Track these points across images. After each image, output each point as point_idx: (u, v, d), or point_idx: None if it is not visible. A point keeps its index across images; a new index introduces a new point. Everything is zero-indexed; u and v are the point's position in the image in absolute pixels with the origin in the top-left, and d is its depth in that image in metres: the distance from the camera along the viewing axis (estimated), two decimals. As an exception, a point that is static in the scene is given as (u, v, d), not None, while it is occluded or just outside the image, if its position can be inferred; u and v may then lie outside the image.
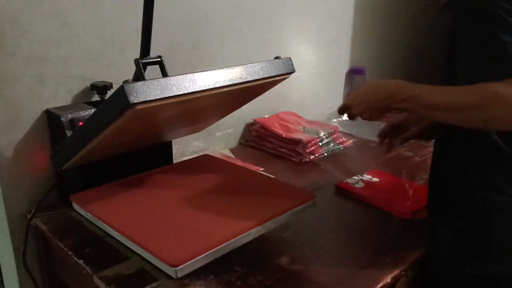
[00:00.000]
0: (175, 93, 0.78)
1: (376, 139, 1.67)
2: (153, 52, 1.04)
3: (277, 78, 0.97)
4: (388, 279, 0.88)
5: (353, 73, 2.03)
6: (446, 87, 0.77)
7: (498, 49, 0.70)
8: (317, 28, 1.83)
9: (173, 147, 1.23)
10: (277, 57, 0.98)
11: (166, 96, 0.77)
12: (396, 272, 0.90)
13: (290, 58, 1.01)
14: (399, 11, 2.26)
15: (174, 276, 0.77)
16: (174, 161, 1.24)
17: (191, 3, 1.36)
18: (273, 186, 1.07)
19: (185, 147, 1.44)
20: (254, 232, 0.89)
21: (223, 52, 1.49)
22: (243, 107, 1.41)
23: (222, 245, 0.82)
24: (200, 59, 1.43)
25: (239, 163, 1.40)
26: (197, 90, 0.80)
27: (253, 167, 1.37)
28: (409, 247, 0.98)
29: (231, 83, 0.86)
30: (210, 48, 1.45)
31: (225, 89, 0.85)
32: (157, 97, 0.76)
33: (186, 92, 0.79)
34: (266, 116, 1.66)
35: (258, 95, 1.09)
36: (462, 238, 0.87)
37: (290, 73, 1.00)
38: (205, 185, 1.05)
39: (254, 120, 1.63)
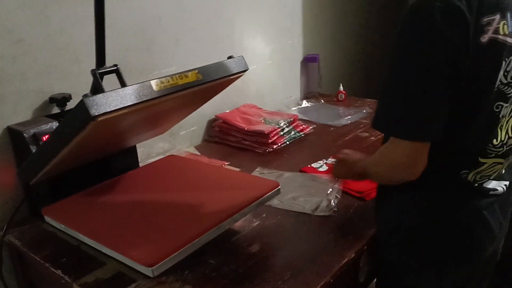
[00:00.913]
0: (134, 102, 0.81)
1: (334, 123, 1.76)
2: (109, 59, 1.07)
3: (232, 77, 1.01)
4: (352, 254, 0.96)
5: (307, 61, 2.10)
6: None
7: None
8: (269, 20, 1.88)
9: (138, 151, 1.26)
10: (230, 57, 1.03)
11: (126, 105, 0.80)
12: (358, 247, 0.98)
13: (242, 56, 1.05)
14: (339, 1, 2.34)
15: (151, 275, 0.81)
16: (141, 165, 1.27)
17: (142, 8, 1.38)
18: (238, 179, 1.12)
19: (151, 150, 1.47)
20: (224, 225, 0.94)
21: (178, 52, 1.52)
22: (204, 104, 1.45)
23: (194, 241, 0.87)
24: (157, 61, 1.45)
25: (205, 159, 1.44)
26: (155, 96, 0.84)
27: (218, 162, 1.41)
28: (368, 223, 1.05)
29: (187, 86, 0.90)
30: (165, 50, 1.47)
31: (182, 93, 0.89)
32: (117, 107, 0.79)
33: (144, 99, 0.83)
34: (227, 111, 1.71)
35: (216, 94, 1.13)
36: (394, 216, 0.96)
37: (244, 71, 1.04)
38: (173, 185, 1.09)
39: (215, 116, 1.67)
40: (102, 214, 0.99)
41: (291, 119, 1.64)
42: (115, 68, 1.03)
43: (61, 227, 0.99)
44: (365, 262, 1.04)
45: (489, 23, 0.76)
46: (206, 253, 0.95)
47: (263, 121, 1.63)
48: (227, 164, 1.41)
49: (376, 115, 0.84)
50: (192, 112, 1.22)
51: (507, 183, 0.95)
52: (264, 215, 1.11)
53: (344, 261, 0.93)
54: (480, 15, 0.75)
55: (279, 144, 1.54)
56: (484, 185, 0.90)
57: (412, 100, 0.77)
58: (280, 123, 1.59)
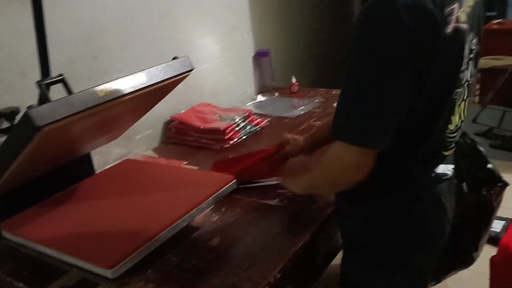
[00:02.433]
0: (80, 109, 0.83)
1: (288, 115, 1.81)
2: (56, 69, 1.07)
3: (178, 78, 1.04)
4: (307, 237, 1.00)
5: (259, 56, 2.14)
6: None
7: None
8: (215, 19, 1.90)
9: (94, 158, 1.27)
10: (175, 58, 1.05)
11: (71, 113, 0.81)
12: (313, 229, 1.02)
13: (187, 56, 1.08)
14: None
15: (111, 277, 0.83)
16: (97, 172, 1.27)
17: (86, 16, 1.38)
18: (194, 176, 1.15)
19: (107, 156, 1.47)
20: (181, 222, 0.96)
21: (126, 57, 1.52)
22: (159, 106, 1.45)
23: (153, 239, 0.89)
24: (104, 68, 1.45)
25: (163, 161, 1.46)
26: (101, 102, 0.86)
27: (177, 163, 1.43)
28: (323, 206, 1.10)
29: (133, 89, 0.92)
30: (113, 56, 1.48)
31: (128, 96, 0.91)
32: (63, 116, 0.80)
33: (90, 106, 0.84)
34: (183, 111, 1.72)
35: (165, 95, 1.15)
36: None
37: (190, 71, 1.07)
38: (129, 188, 1.11)
39: (171, 117, 1.69)
40: (60, 224, 0.99)
41: (246, 114, 1.68)
42: (61, 77, 1.04)
43: (20, 240, 0.99)
44: (321, 245, 1.09)
45: (451, 13, 0.75)
46: (167, 251, 0.97)
47: (218, 118, 1.65)
48: (185, 164, 1.43)
49: (334, 119, 0.80)
50: (143, 115, 1.23)
51: (453, 166, 0.99)
52: (223, 209, 1.14)
53: (300, 245, 0.97)
54: (443, 6, 0.74)
55: (235, 139, 1.57)
56: (436, 170, 0.92)
57: (369, 103, 0.75)
58: (235, 119, 1.62)
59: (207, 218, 1.11)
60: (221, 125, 1.57)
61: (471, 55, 0.89)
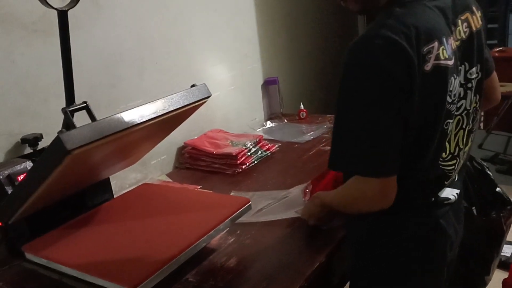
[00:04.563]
0: (106, 134, 0.87)
1: (298, 140, 1.85)
2: (77, 96, 1.12)
3: (196, 104, 1.08)
4: (323, 258, 1.02)
5: (267, 84, 2.20)
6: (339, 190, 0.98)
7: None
8: (227, 48, 1.97)
9: (112, 183, 1.30)
10: (193, 85, 1.10)
11: (98, 137, 0.85)
12: (328, 250, 1.05)
13: (205, 84, 1.13)
14: (296, 20, 2.47)
15: (135, 296, 0.85)
16: (115, 196, 1.31)
17: (106, 46, 1.44)
18: (210, 199, 1.18)
19: (123, 181, 1.51)
20: (200, 244, 0.99)
21: (143, 85, 1.58)
22: (172, 132, 1.50)
23: (172, 260, 0.92)
24: (121, 95, 1.51)
25: (177, 185, 1.49)
26: (125, 127, 0.90)
27: (191, 187, 1.47)
28: (338, 226, 1.12)
29: (155, 115, 0.96)
30: (130, 84, 1.54)
31: (150, 122, 0.95)
32: (91, 140, 0.84)
33: (116, 130, 0.88)
34: (195, 137, 1.77)
35: (182, 121, 1.20)
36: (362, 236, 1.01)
37: (208, 97, 1.12)
38: (148, 211, 1.14)
39: (184, 143, 1.73)
40: (81, 245, 1.02)
41: (257, 140, 1.72)
42: (85, 104, 1.09)
43: (42, 261, 1.02)
44: (337, 265, 1.11)
45: (430, 52, 0.81)
46: (185, 272, 1.00)
47: (230, 143, 1.69)
48: (200, 188, 1.47)
49: (333, 155, 0.85)
50: (161, 140, 1.27)
51: (458, 191, 1.01)
52: (238, 232, 1.16)
53: (316, 265, 1.00)
54: (419, 46, 0.79)
55: (247, 164, 1.61)
56: (437, 195, 0.96)
57: (370, 137, 0.80)
58: (247, 144, 1.66)
59: (223, 240, 1.14)
60: (233, 150, 1.61)
61: (469, 85, 0.94)
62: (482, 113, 3.97)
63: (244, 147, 1.65)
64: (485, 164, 1.54)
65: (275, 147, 1.76)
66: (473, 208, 1.43)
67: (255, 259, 1.06)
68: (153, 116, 0.96)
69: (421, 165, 0.89)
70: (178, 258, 0.93)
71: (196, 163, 1.66)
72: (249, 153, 1.64)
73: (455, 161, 0.95)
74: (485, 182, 1.53)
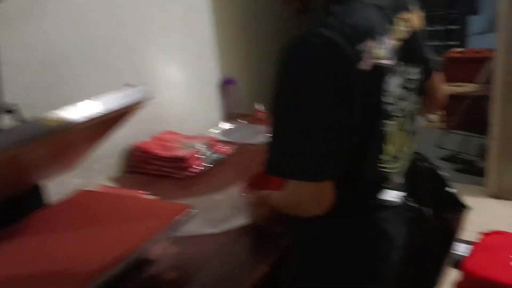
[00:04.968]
0: (27, 140, 0.80)
1: (255, 142, 1.80)
2: (9, 97, 1.04)
3: (134, 107, 1.02)
4: (266, 267, 0.98)
5: (224, 84, 2.14)
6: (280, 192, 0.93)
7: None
8: (181, 47, 1.91)
9: (50, 189, 1.22)
10: (128, 85, 1.03)
11: (17, 144, 0.78)
12: (272, 260, 1.00)
13: (145, 85, 1.06)
14: (255, 20, 2.42)
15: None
16: (50, 204, 1.22)
17: (45, 44, 1.35)
18: (151, 206, 1.12)
19: (64, 187, 1.42)
20: (132, 257, 0.92)
21: (86, 87, 1.49)
22: (119, 134, 1.42)
23: (102, 275, 0.85)
24: (62, 96, 1.42)
25: (122, 191, 1.42)
26: (49, 132, 0.83)
27: (136, 193, 1.39)
28: (285, 233, 1.08)
29: (84, 119, 0.89)
30: (71, 85, 1.45)
31: (79, 127, 0.88)
32: (9, 145, 0.77)
33: (38, 136, 0.81)
34: (146, 140, 1.69)
35: (120, 124, 1.12)
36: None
37: (147, 99, 1.05)
38: (80, 220, 1.06)
39: (133, 145, 1.65)
40: (5, 261, 0.94)
41: (210, 142, 1.66)
42: (14, 107, 1.00)
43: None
44: (286, 271, 1.06)
45: (365, 50, 0.78)
46: (123, 286, 0.93)
47: (181, 146, 1.63)
48: (146, 194, 1.40)
49: (268, 159, 0.81)
50: (98, 144, 1.20)
51: (403, 193, 1.00)
52: (182, 241, 1.11)
53: (258, 276, 0.95)
54: (354, 43, 0.77)
55: (199, 167, 1.55)
56: (383, 197, 0.94)
57: (306, 139, 0.77)
58: (199, 147, 1.61)
59: (165, 250, 1.07)
60: (183, 153, 1.55)
61: (410, 86, 0.92)
62: (442, 113, 4.05)
63: (195, 149, 1.59)
64: (438, 164, 1.55)
65: (229, 150, 1.71)
66: (427, 209, 1.43)
67: (198, 270, 1.01)
68: (81, 120, 0.89)
69: (360, 167, 0.86)
70: (108, 273, 0.86)
71: (145, 167, 1.59)
72: (201, 156, 1.58)
73: (396, 163, 0.93)
74: (438, 183, 1.54)
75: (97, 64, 1.53)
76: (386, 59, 0.81)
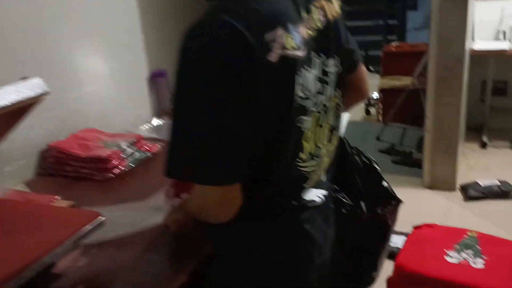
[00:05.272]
0: None
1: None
2: None
3: (29, 102, 0.89)
4: (185, 277, 0.89)
5: (154, 77, 2.02)
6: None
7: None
8: (104, 37, 1.76)
9: None
10: (24, 78, 0.91)
11: None
12: (191, 269, 0.92)
13: (40, 78, 0.94)
14: (186, 8, 2.30)
15: None
16: None
17: None
18: (56, 214, 1.00)
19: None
20: (28, 272, 0.81)
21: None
22: (32, 133, 1.28)
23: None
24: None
25: (32, 196, 1.28)
26: None
27: (47, 198, 1.26)
28: (203, 240, 1.00)
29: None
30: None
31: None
32: None
33: None
34: (63, 139, 1.55)
35: (14, 124, 0.99)
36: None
37: (44, 94, 0.93)
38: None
39: (48, 145, 1.51)
40: None
41: (135, 140, 1.55)
42: None
43: None
44: (207, 280, 0.98)
45: (273, 40, 0.71)
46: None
47: (103, 145, 1.51)
48: (59, 198, 1.26)
49: (167, 161, 0.72)
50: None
51: (325, 192, 0.95)
52: (93, 251, 1.00)
53: (177, 286, 0.87)
54: (261, 32, 0.70)
55: (121, 168, 1.43)
56: (303, 196, 0.88)
57: (205, 138, 0.69)
58: (121, 145, 1.49)
59: (73, 263, 0.96)
60: (104, 152, 1.43)
61: (327, 78, 0.86)
62: (381, 106, 4.13)
63: (118, 148, 1.47)
64: (372, 158, 1.54)
65: (156, 148, 1.60)
66: (361, 203, 1.42)
67: (110, 282, 0.91)
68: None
69: (277, 167, 0.80)
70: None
71: (62, 168, 1.45)
72: (123, 155, 1.47)
73: (314, 161, 0.87)
74: (372, 177, 1.53)
75: (6, 52, 1.37)
76: (298, 50, 0.75)
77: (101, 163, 1.41)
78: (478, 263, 1.34)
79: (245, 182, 0.78)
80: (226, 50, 0.67)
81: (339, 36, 0.88)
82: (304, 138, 0.83)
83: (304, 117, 0.80)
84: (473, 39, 3.36)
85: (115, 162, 1.43)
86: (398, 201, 1.52)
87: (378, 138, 3.75)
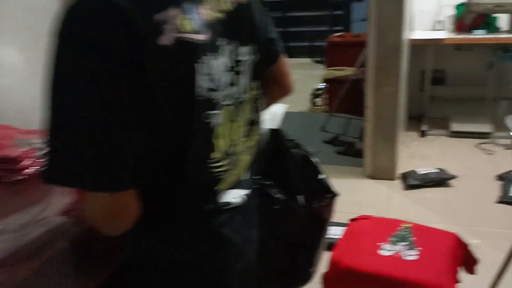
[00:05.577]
0: None
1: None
2: None
3: None
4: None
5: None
6: None
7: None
8: (18, 24, 1.61)
9: None
10: None
11: None
12: (98, 282, 0.83)
13: None
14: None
15: None
16: None
17: None
18: None
19: None
20: None
21: None
22: None
23: None
24: None
25: None
26: None
27: None
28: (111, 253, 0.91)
29: None
30: None
31: None
32: None
33: None
34: (-31, 137, 1.39)
35: None
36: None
37: None
38: None
39: (-50, 145, 1.35)
40: None
41: (52, 137, 1.42)
42: None
43: None
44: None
45: (165, 21, 0.62)
46: None
47: (15, 143, 1.36)
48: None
49: (45, 164, 0.62)
50: None
51: (246, 192, 0.87)
52: None
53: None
54: (150, 12, 0.61)
55: (35, 168, 1.30)
56: (218, 199, 0.81)
57: (85, 138, 0.60)
58: (35, 143, 1.35)
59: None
60: (15, 151, 1.29)
61: (240, 68, 0.78)
62: (325, 96, 4.14)
63: (30, 147, 1.33)
64: (310, 151, 1.50)
65: (77, 145, 1.47)
66: (298, 198, 1.38)
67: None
68: None
69: (184, 170, 0.72)
70: None
71: (-35, 170, 1.30)
72: (36, 154, 1.33)
73: (228, 160, 0.79)
74: (310, 170, 1.49)
75: None
76: (196, 34, 0.66)
77: (11, 164, 1.27)
78: (412, 255, 1.33)
79: (150, 188, 0.70)
80: (105, 31, 0.58)
81: (253, 20, 0.80)
82: (216, 136, 0.74)
83: (213, 112, 0.72)
84: (411, 29, 3.41)
85: (26, 162, 1.29)
86: (334, 194, 1.50)
87: (323, 129, 3.76)
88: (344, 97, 3.66)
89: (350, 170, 3.03)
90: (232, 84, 0.75)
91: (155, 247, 0.78)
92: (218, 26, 0.71)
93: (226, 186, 0.81)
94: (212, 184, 0.78)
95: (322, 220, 1.47)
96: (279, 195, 1.34)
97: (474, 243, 2.12)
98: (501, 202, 2.49)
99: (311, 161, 1.48)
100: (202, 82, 0.68)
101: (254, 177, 1.25)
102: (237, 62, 0.76)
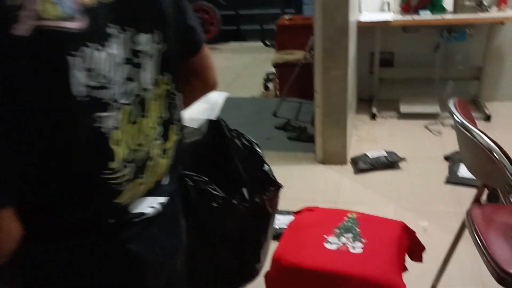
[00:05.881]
0: None
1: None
2: None
3: None
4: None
5: None
6: None
7: None
8: None
9: None
10: None
11: None
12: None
13: None
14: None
15: None
16: None
17: None
18: None
19: None
20: None
21: None
22: None
23: None
24: None
25: None
26: None
27: None
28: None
29: None
30: None
31: None
32: None
33: None
34: None
35: None
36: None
37: None
38: None
39: None
40: None
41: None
42: None
43: None
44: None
45: (20, 6, 0.51)
46: None
47: None
48: None
49: None
50: None
51: (165, 199, 0.78)
52: None
53: None
54: None
55: None
56: (126, 210, 0.71)
57: None
58: None
59: None
60: None
61: (140, 59, 0.67)
62: (276, 81, 4.06)
63: None
64: (254, 141, 1.42)
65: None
66: (244, 190, 1.31)
67: None
68: None
69: (73, 186, 0.61)
70: None
71: None
72: None
73: (130, 168, 0.68)
74: (254, 161, 1.42)
75: None
76: (67, 21, 0.55)
77: None
78: (357, 247, 1.28)
79: (38, 205, 0.59)
80: None
81: (158, 3, 0.69)
82: (113, 142, 0.64)
83: (105, 114, 0.61)
84: (360, 10, 3.37)
85: None
86: (278, 186, 1.43)
87: (274, 114, 3.69)
88: (295, 81, 3.60)
89: (302, 156, 2.98)
90: (129, 79, 0.64)
91: (51, 275, 0.67)
92: (103, 10, 0.59)
93: (131, 196, 0.71)
94: (109, 197, 0.67)
95: (266, 214, 1.40)
96: (217, 192, 1.26)
97: (423, 225, 2.13)
98: (449, 182, 2.52)
99: (256, 151, 1.41)
100: (81, 79, 0.57)
101: (191, 174, 1.15)
102: (136, 52, 0.65)
